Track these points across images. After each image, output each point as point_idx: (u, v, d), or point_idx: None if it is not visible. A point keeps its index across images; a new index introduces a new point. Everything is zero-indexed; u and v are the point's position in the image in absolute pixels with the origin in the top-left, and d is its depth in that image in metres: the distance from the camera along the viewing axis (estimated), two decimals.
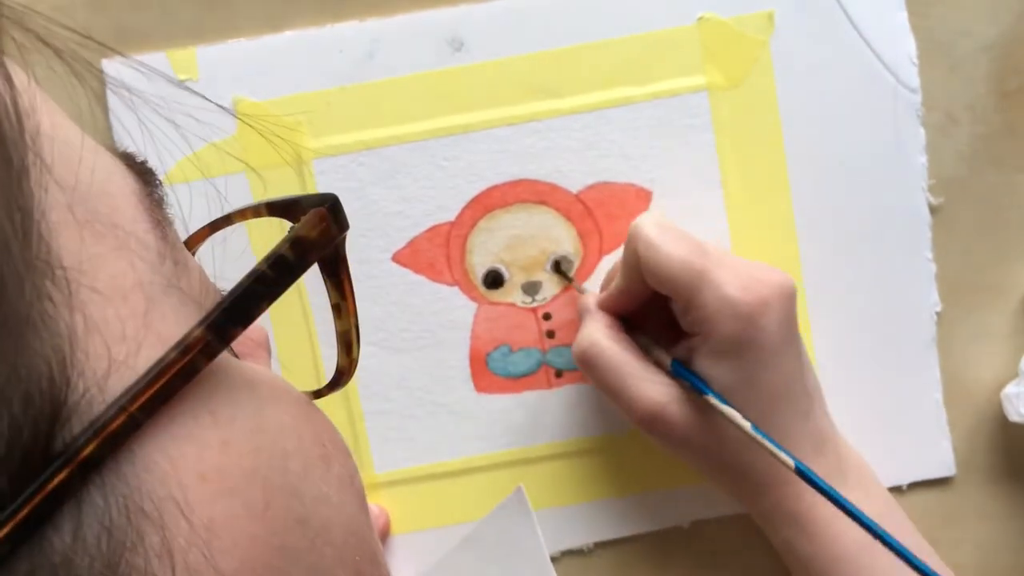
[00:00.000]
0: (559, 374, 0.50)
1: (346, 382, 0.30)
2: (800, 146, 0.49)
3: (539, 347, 0.50)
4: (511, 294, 0.50)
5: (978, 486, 0.51)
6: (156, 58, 0.49)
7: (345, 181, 0.49)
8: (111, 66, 0.49)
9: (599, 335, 0.45)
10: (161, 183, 0.26)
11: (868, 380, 0.50)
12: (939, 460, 0.50)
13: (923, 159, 0.49)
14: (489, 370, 0.50)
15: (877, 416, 0.50)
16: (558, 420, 0.50)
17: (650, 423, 0.44)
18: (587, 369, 0.46)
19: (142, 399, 0.19)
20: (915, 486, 0.51)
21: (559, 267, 0.49)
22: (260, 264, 0.22)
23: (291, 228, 0.24)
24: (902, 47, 0.49)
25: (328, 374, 0.49)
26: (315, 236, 0.24)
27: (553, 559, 0.50)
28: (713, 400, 0.43)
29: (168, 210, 0.25)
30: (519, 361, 0.50)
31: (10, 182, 0.19)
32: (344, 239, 0.26)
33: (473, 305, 0.50)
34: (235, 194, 0.49)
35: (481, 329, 0.50)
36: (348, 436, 0.50)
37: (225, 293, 0.22)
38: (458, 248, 0.49)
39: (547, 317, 0.50)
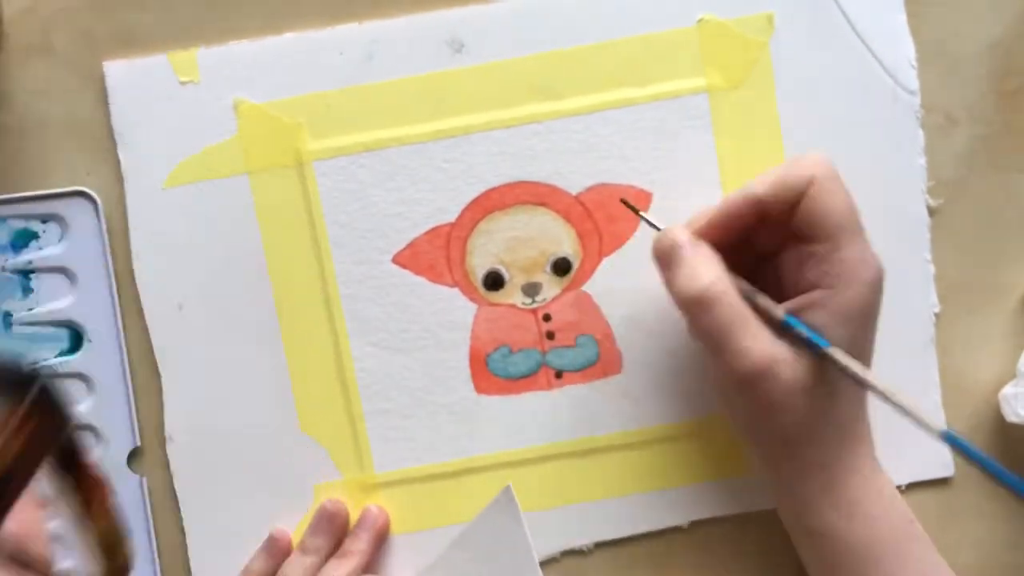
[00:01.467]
0: (559, 375, 0.50)
1: None
2: (799, 148, 0.49)
3: (539, 348, 0.50)
4: (511, 295, 0.50)
5: (976, 486, 0.51)
6: (157, 60, 0.49)
7: (345, 183, 0.49)
8: (113, 68, 0.49)
9: (719, 273, 0.41)
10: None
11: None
12: (938, 460, 0.50)
13: (922, 161, 0.49)
14: (489, 371, 0.50)
15: (876, 417, 0.50)
16: (557, 421, 0.50)
17: (757, 378, 0.41)
18: (701, 310, 0.41)
19: None
20: (913, 486, 0.51)
21: (559, 269, 0.49)
22: None
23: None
24: (901, 50, 0.49)
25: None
26: (20, 448, 0.18)
27: (552, 559, 0.50)
28: (836, 355, 0.40)
29: None
30: (519, 362, 0.50)
31: None
32: (75, 428, 0.20)
33: (473, 306, 0.50)
34: (237, 196, 0.49)
35: (481, 330, 0.50)
36: (348, 437, 0.50)
37: None
38: (458, 249, 0.50)
39: (547, 318, 0.50)
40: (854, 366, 0.40)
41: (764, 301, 0.42)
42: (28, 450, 0.18)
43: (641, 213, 0.47)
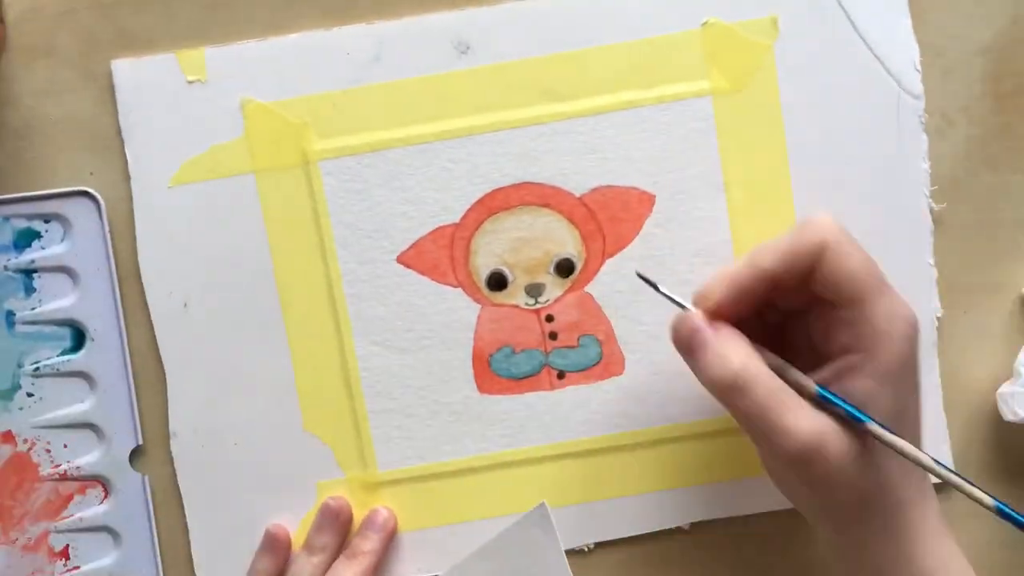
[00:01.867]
0: (561, 376, 0.50)
1: None
2: (803, 151, 0.49)
3: (541, 349, 0.50)
4: (514, 296, 0.50)
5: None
6: (165, 59, 0.49)
7: (351, 182, 0.49)
8: (120, 67, 0.49)
9: (748, 355, 0.40)
10: None
11: None
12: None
13: (925, 165, 0.50)
14: (492, 371, 0.50)
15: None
16: (559, 421, 0.50)
17: (808, 457, 0.38)
18: (736, 396, 0.39)
19: None
20: None
21: (562, 270, 0.50)
22: None
23: None
24: (906, 53, 0.49)
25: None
26: None
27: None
28: (883, 433, 0.39)
29: None
30: (521, 362, 0.50)
31: None
32: None
33: (476, 306, 0.50)
34: (243, 195, 0.49)
35: (484, 330, 0.50)
36: (352, 435, 0.50)
37: None
38: (462, 250, 0.50)
39: (550, 319, 0.50)
40: (902, 444, 0.39)
41: (795, 375, 0.40)
42: None
43: (662, 289, 0.43)
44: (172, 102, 0.49)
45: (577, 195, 0.49)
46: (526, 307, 0.50)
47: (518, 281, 0.50)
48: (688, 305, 0.42)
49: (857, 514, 0.41)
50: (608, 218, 0.50)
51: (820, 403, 0.40)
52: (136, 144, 0.49)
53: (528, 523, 0.49)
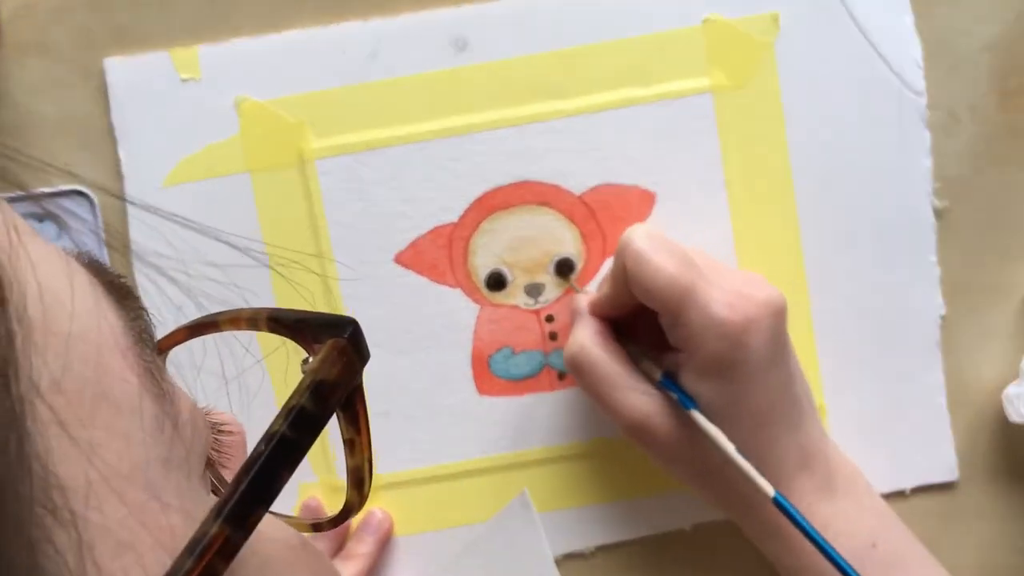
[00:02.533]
0: (561, 376, 0.50)
1: (351, 517, 0.27)
2: (804, 148, 0.49)
3: (541, 349, 0.50)
4: (514, 296, 0.50)
5: (979, 486, 0.51)
6: (159, 57, 0.48)
7: (348, 182, 0.49)
8: (113, 65, 0.49)
9: (588, 341, 0.45)
10: (145, 311, 0.22)
11: (872, 384, 0.50)
12: (942, 465, 0.50)
13: (928, 162, 0.49)
14: (491, 372, 0.50)
15: (881, 420, 0.50)
16: (560, 423, 0.50)
17: (635, 433, 0.44)
18: (576, 374, 0.46)
19: None
20: (918, 489, 0.51)
21: (562, 269, 0.49)
22: (278, 424, 0.19)
23: (307, 363, 0.21)
24: (908, 50, 0.49)
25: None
26: (336, 376, 0.20)
27: (554, 562, 0.50)
28: (697, 418, 0.43)
29: (151, 339, 0.21)
30: (521, 363, 0.50)
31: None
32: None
33: (475, 307, 0.50)
34: (238, 194, 0.49)
35: (483, 331, 0.50)
36: None
37: (219, 422, 0.20)
38: (460, 249, 0.49)
39: (550, 319, 0.50)
40: (711, 430, 0.43)
41: (646, 365, 0.45)
42: (343, 377, 0.20)
43: (571, 280, 0.49)
44: (166, 101, 0.48)
45: (577, 194, 0.49)
46: (525, 307, 0.50)
47: (517, 281, 0.50)
48: (582, 290, 0.49)
49: (704, 484, 0.46)
50: (608, 217, 0.49)
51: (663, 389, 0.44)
52: (129, 144, 0.49)
53: (510, 513, 0.49)
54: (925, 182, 0.49)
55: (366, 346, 0.22)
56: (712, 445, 0.43)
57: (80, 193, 0.49)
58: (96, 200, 0.49)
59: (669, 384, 0.44)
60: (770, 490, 0.42)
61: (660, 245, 0.43)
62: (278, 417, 0.19)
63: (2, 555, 0.15)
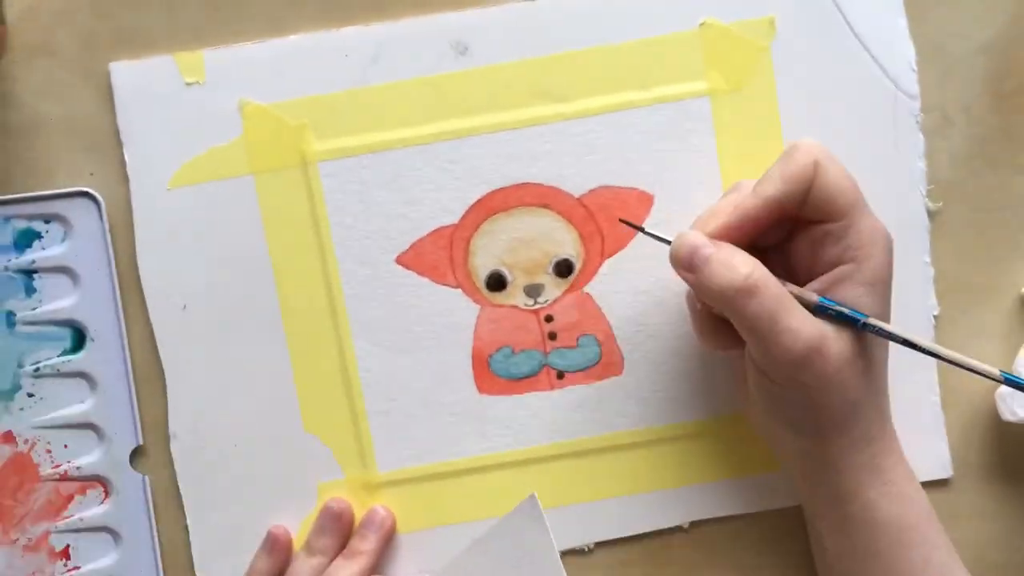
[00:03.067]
0: (560, 376, 0.50)
1: None
2: None
3: (541, 349, 0.50)
4: (513, 296, 0.50)
5: (972, 484, 0.51)
6: (163, 61, 0.49)
7: (350, 184, 0.49)
8: (118, 69, 0.49)
9: (756, 263, 0.42)
10: None
11: None
12: (936, 462, 0.51)
13: (922, 165, 0.50)
14: (491, 371, 0.50)
15: None
16: (559, 421, 0.51)
17: (809, 357, 0.41)
18: (748, 296, 0.41)
19: None
20: None
21: (561, 270, 0.50)
22: None
23: None
24: (902, 54, 0.49)
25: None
26: None
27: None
28: (883, 326, 0.42)
29: None
30: (521, 363, 0.50)
31: None
32: None
33: (475, 307, 0.50)
34: (241, 196, 0.49)
35: (483, 331, 0.50)
36: (352, 436, 0.50)
37: None
38: (461, 250, 0.50)
39: (549, 319, 0.50)
40: (897, 330, 0.42)
41: (793, 287, 0.43)
42: None
43: (646, 228, 0.46)
44: (170, 104, 0.49)
45: (576, 196, 0.50)
46: (525, 307, 0.50)
47: (517, 282, 0.50)
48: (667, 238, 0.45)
49: (843, 420, 0.44)
50: (607, 218, 0.50)
51: (817, 314, 0.42)
52: (135, 146, 0.49)
53: (518, 516, 0.49)
54: (919, 184, 0.50)
55: None
56: (902, 343, 0.42)
57: (86, 194, 0.49)
58: (102, 201, 0.49)
59: (831, 302, 0.42)
60: (996, 371, 0.41)
61: None
62: None
63: None
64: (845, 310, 0.42)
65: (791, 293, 0.42)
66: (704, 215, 0.45)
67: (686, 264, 0.43)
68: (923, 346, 0.42)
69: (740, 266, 0.42)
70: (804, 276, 0.44)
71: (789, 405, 0.44)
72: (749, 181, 0.45)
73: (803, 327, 0.41)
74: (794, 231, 0.45)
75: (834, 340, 0.42)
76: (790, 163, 0.43)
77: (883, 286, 0.43)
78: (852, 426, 0.44)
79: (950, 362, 0.42)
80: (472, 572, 0.50)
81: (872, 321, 0.42)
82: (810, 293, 0.43)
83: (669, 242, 0.44)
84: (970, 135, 0.50)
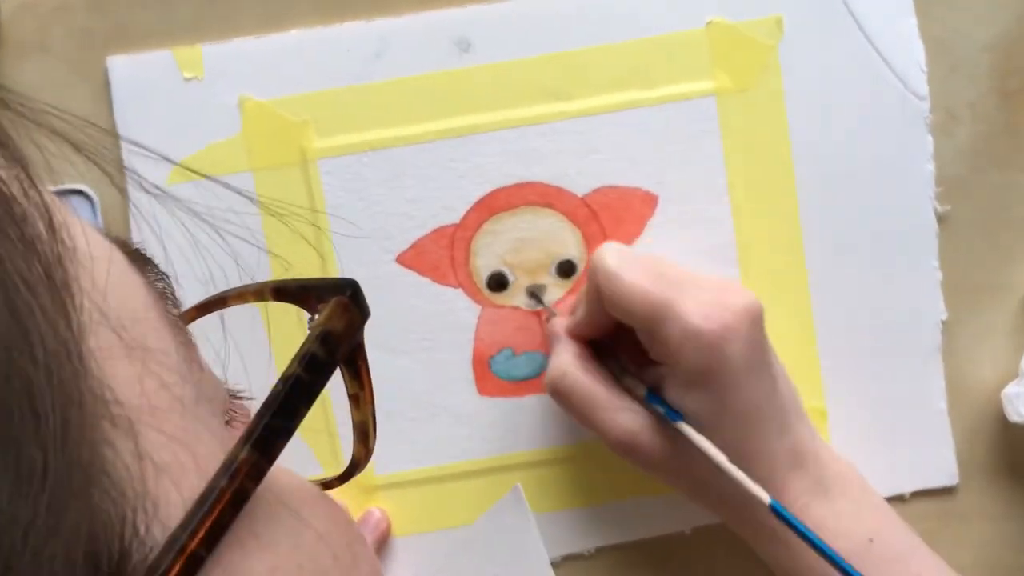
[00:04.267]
0: None
1: (359, 472, 0.28)
2: (807, 152, 0.49)
3: (542, 351, 0.50)
4: (515, 297, 0.50)
5: (979, 486, 0.51)
6: (161, 56, 0.48)
7: (350, 181, 0.49)
8: (116, 64, 0.49)
9: (569, 366, 0.45)
10: (166, 276, 0.25)
11: (873, 388, 0.50)
12: (942, 469, 0.51)
13: (930, 166, 0.49)
14: (492, 373, 0.50)
15: (881, 424, 0.50)
16: (561, 424, 0.50)
17: (625, 451, 0.44)
18: (559, 400, 0.46)
19: (199, 535, 0.18)
20: (918, 492, 0.51)
21: (564, 271, 0.49)
22: (293, 367, 0.21)
23: (313, 320, 0.23)
24: (911, 54, 0.49)
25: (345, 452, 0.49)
26: (342, 329, 0.22)
27: (554, 563, 0.50)
28: (685, 430, 0.42)
29: (173, 297, 0.24)
30: (522, 364, 0.50)
31: (56, 314, 0.18)
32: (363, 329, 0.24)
33: (477, 308, 0.50)
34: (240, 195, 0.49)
35: (484, 332, 0.50)
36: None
37: (234, 389, 0.21)
38: (462, 250, 0.49)
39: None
40: (696, 438, 0.42)
41: (629, 381, 0.45)
42: (348, 331, 0.23)
43: (544, 302, 0.49)
44: (169, 100, 0.48)
45: (579, 195, 0.49)
46: (527, 308, 0.50)
47: (519, 282, 0.50)
48: (556, 313, 0.49)
49: (700, 495, 0.46)
50: (610, 219, 0.49)
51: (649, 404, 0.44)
52: (138, 138, 0.49)
53: (503, 508, 0.49)
54: (927, 186, 0.49)
55: (366, 304, 0.23)
56: (702, 457, 0.42)
57: (80, 192, 0.49)
58: (96, 199, 0.48)
59: (654, 399, 0.44)
60: (765, 497, 0.41)
61: (630, 261, 0.43)
62: (292, 362, 0.21)
63: (68, 452, 0.17)
64: (659, 409, 0.43)
65: (625, 384, 0.45)
66: (577, 297, 0.48)
67: (549, 348, 0.48)
68: (718, 460, 0.42)
69: (555, 369, 0.45)
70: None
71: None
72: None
73: (611, 427, 0.44)
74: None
75: (648, 435, 0.44)
76: (587, 281, 0.45)
77: (702, 385, 0.42)
78: (715, 500, 0.46)
79: (731, 477, 0.42)
80: (459, 567, 0.50)
81: (681, 425, 0.43)
82: (640, 388, 0.44)
83: (553, 313, 0.49)
84: (976, 133, 0.50)
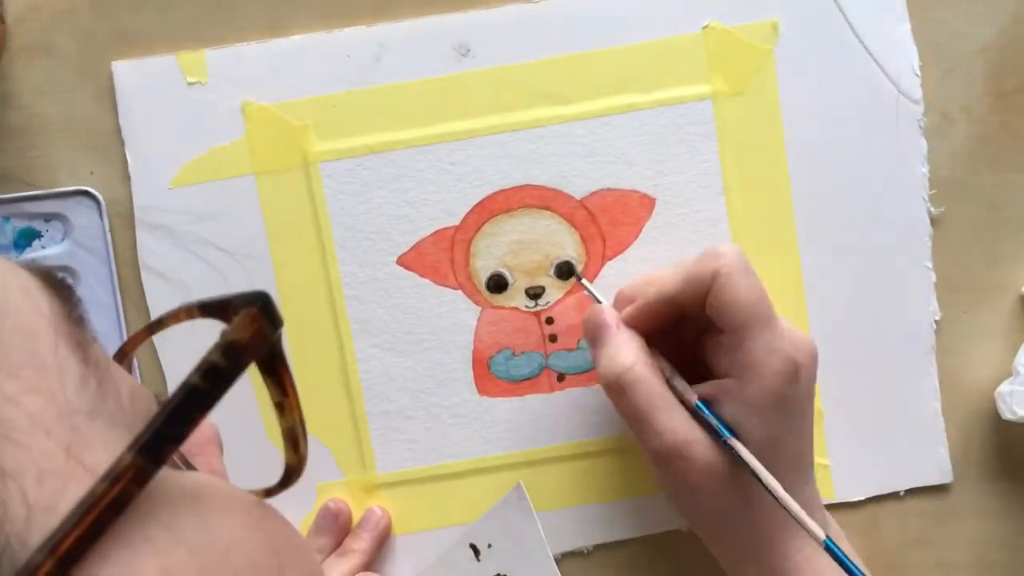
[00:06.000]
0: (561, 378, 0.50)
1: (296, 480, 0.28)
2: (802, 154, 0.49)
3: (541, 351, 0.50)
4: (514, 298, 0.50)
5: (973, 484, 0.51)
6: (165, 60, 0.49)
7: (351, 185, 0.49)
8: (121, 69, 0.49)
9: (638, 357, 0.43)
10: (80, 300, 0.25)
11: (867, 388, 0.50)
12: (937, 467, 0.51)
13: (924, 169, 0.50)
14: (491, 373, 0.50)
15: (876, 424, 0.50)
16: (559, 423, 0.51)
17: (671, 458, 0.42)
18: (619, 393, 0.43)
19: (68, 542, 0.19)
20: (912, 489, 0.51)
21: (562, 272, 0.50)
22: (191, 376, 0.22)
23: (222, 332, 0.23)
24: (905, 58, 0.49)
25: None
26: (247, 339, 0.23)
27: (553, 557, 0.50)
28: (740, 449, 0.41)
29: (89, 328, 0.24)
30: (521, 365, 0.50)
31: None
32: (280, 336, 0.24)
33: (476, 309, 0.50)
34: (243, 196, 0.49)
35: (484, 333, 0.50)
36: (351, 437, 0.50)
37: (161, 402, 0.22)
38: (462, 252, 0.50)
39: (550, 321, 0.50)
40: (749, 459, 0.41)
41: (680, 385, 0.43)
42: (254, 341, 0.23)
43: (586, 284, 0.48)
44: (173, 104, 0.49)
45: (577, 198, 0.49)
46: (526, 309, 0.50)
47: (518, 283, 0.50)
48: (602, 300, 0.47)
49: (712, 525, 0.45)
50: (608, 221, 0.50)
51: (698, 416, 0.42)
52: (136, 146, 0.49)
53: (506, 506, 0.49)
54: (921, 189, 0.50)
55: (278, 315, 0.24)
56: (754, 479, 0.41)
57: (86, 193, 0.49)
58: (102, 201, 0.49)
59: (705, 409, 0.42)
60: (821, 534, 0.40)
61: (750, 267, 0.42)
62: (193, 370, 0.22)
63: None
64: (713, 421, 0.42)
65: (676, 389, 0.43)
66: (633, 286, 0.47)
67: (591, 338, 0.45)
68: (768, 484, 0.41)
69: (622, 360, 0.43)
70: (714, 374, 0.44)
71: (670, 492, 0.46)
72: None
73: (668, 430, 0.42)
74: (705, 330, 0.45)
75: (702, 447, 0.42)
76: (696, 265, 0.43)
77: (768, 410, 0.41)
78: (729, 532, 0.44)
79: (785, 508, 0.41)
80: (462, 564, 0.50)
81: (731, 441, 0.41)
82: (692, 395, 0.43)
83: (599, 300, 0.47)
84: (971, 135, 0.50)
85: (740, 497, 0.43)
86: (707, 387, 0.43)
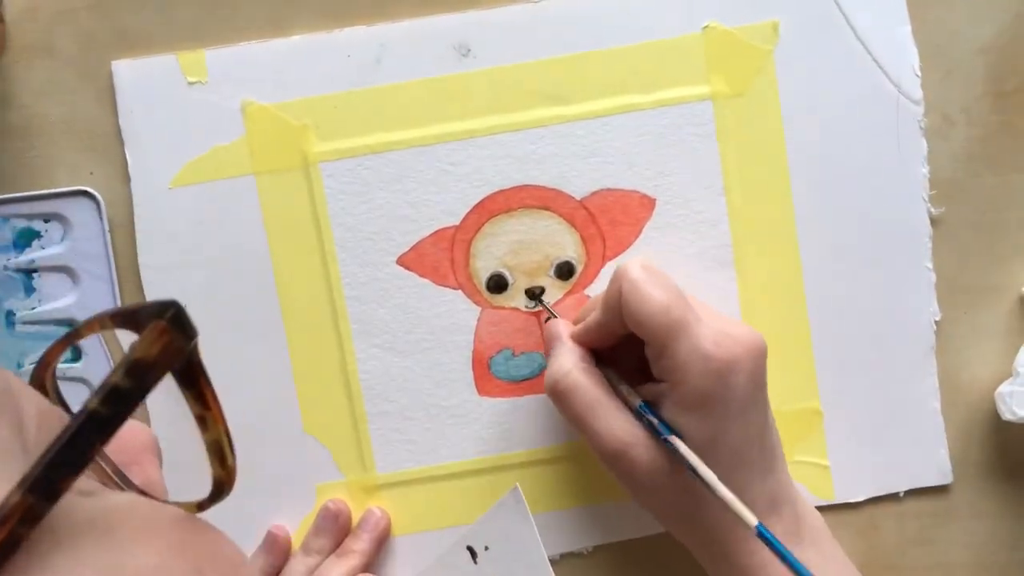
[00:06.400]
0: None
1: (227, 493, 0.27)
2: (802, 155, 0.49)
3: (541, 351, 0.50)
4: (514, 298, 0.50)
5: (972, 485, 0.51)
6: (165, 60, 0.49)
7: (351, 185, 0.49)
8: (121, 68, 0.49)
9: (573, 366, 0.45)
10: None
11: (867, 388, 0.50)
12: (936, 468, 0.51)
13: (924, 169, 0.50)
14: (491, 373, 0.50)
15: (876, 424, 0.50)
16: (560, 424, 0.51)
17: (615, 459, 0.44)
18: (558, 399, 0.45)
19: None
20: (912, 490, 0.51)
21: (562, 272, 0.50)
22: (90, 401, 0.20)
23: (129, 347, 0.22)
24: (905, 59, 0.49)
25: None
26: (156, 355, 0.21)
27: (552, 561, 0.50)
28: (678, 445, 0.42)
29: None
30: (521, 365, 0.50)
31: None
32: (196, 346, 0.23)
33: (476, 309, 0.50)
34: (243, 196, 0.49)
35: (484, 333, 0.50)
36: (351, 437, 0.50)
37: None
38: (462, 252, 0.50)
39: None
40: (686, 452, 0.42)
41: (624, 389, 0.45)
42: (163, 357, 0.21)
43: (543, 301, 0.50)
44: (173, 103, 0.49)
45: (577, 198, 0.50)
46: (526, 310, 0.50)
47: (518, 284, 0.50)
48: (558, 315, 0.49)
49: (670, 523, 0.46)
50: (608, 221, 0.50)
51: (643, 419, 0.44)
52: (136, 146, 0.49)
53: (503, 509, 0.49)
54: (922, 190, 0.50)
55: (190, 325, 0.22)
56: (692, 474, 0.42)
57: (85, 193, 0.49)
58: (102, 201, 0.49)
59: (648, 411, 0.43)
60: (752, 520, 0.40)
61: (655, 277, 0.43)
62: (93, 394, 0.21)
63: None
64: (654, 420, 0.43)
65: (622, 392, 0.45)
66: (586, 307, 0.49)
67: (545, 351, 0.48)
68: (707, 479, 0.41)
69: (558, 367, 0.45)
70: (656, 377, 0.44)
71: (624, 488, 0.46)
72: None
73: (607, 432, 0.43)
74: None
75: (642, 448, 0.43)
76: (607, 288, 0.44)
77: (700, 409, 0.42)
78: (692, 528, 0.45)
79: (719, 498, 0.41)
80: (456, 569, 0.50)
81: (670, 438, 0.42)
82: (635, 398, 0.44)
83: (554, 315, 0.49)
84: (971, 135, 0.50)
85: (691, 496, 0.43)
86: (646, 391, 0.44)
